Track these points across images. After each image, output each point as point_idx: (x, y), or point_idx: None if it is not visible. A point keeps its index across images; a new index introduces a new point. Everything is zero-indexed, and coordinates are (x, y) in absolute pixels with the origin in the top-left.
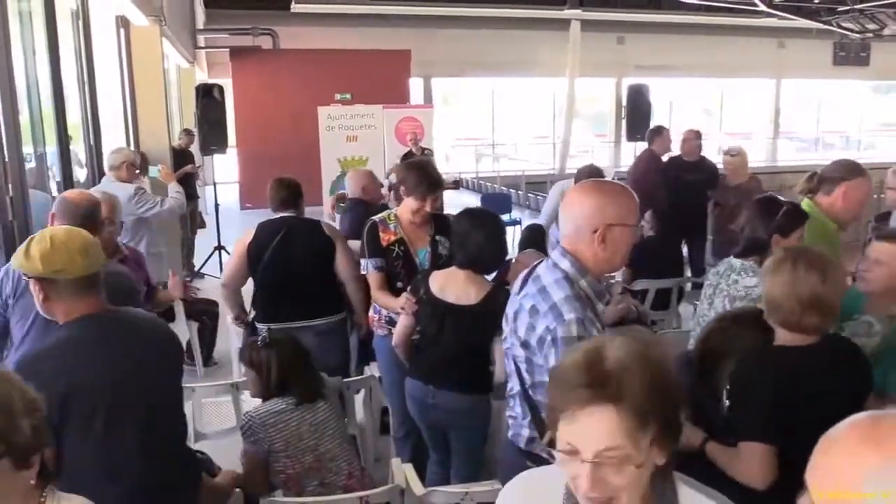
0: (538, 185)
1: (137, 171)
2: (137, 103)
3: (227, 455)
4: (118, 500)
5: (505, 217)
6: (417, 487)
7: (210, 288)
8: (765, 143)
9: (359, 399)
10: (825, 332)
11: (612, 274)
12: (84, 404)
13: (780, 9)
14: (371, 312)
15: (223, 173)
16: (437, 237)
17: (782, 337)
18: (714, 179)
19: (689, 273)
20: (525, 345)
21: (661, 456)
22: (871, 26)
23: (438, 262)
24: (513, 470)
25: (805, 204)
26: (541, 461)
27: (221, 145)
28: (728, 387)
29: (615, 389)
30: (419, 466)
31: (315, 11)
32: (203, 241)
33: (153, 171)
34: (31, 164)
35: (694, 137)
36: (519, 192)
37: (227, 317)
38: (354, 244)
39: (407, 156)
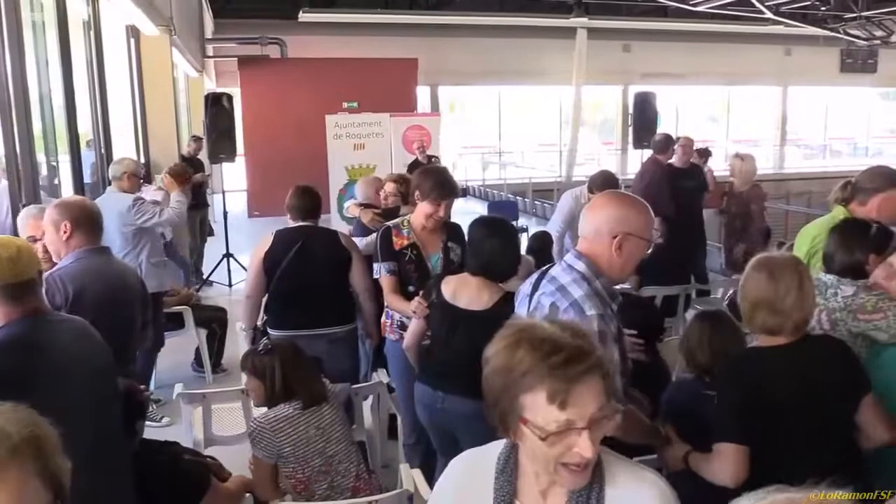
0: (545, 192)
1: (140, 181)
2: (147, 112)
3: (238, 460)
4: None
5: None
6: (426, 492)
7: (219, 295)
8: (772, 150)
9: (367, 405)
10: (799, 333)
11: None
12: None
13: (786, 16)
14: (383, 318)
15: (231, 181)
16: (450, 244)
17: (758, 339)
18: (705, 187)
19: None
20: None
21: None
22: (879, 33)
23: (450, 268)
24: None
25: (839, 212)
26: None
27: (230, 154)
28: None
29: (596, 357)
30: (429, 472)
31: (322, 20)
32: (212, 249)
33: (159, 180)
34: (43, 173)
35: (689, 144)
36: (525, 199)
37: (236, 324)
38: (360, 242)
39: (414, 164)
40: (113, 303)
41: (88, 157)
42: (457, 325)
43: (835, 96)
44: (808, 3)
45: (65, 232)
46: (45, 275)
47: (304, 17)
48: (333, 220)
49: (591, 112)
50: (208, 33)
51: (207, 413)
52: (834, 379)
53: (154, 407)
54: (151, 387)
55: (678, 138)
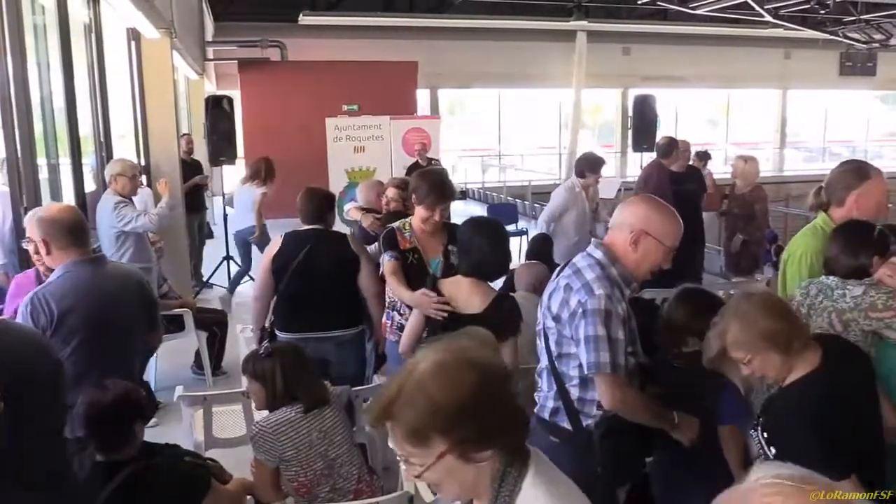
0: (544, 195)
1: (137, 181)
2: (148, 115)
3: (239, 463)
4: None
5: (511, 227)
6: (427, 495)
7: (218, 298)
8: (771, 153)
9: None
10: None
11: None
12: None
13: (786, 19)
14: (383, 318)
15: (232, 184)
16: (451, 247)
17: (795, 373)
18: (704, 189)
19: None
20: (556, 318)
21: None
22: (878, 36)
23: (451, 272)
24: (537, 441)
25: (820, 220)
26: (563, 432)
27: (230, 157)
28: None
29: (381, 410)
30: None
31: (323, 23)
32: (212, 252)
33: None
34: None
35: (687, 148)
36: (525, 202)
37: (236, 326)
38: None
39: (414, 166)
40: (107, 315)
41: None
42: (450, 328)
43: (834, 99)
44: (808, 6)
45: (44, 249)
46: (29, 294)
47: (304, 19)
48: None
49: (591, 115)
50: (208, 36)
51: (208, 415)
52: (873, 387)
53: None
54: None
55: (673, 141)
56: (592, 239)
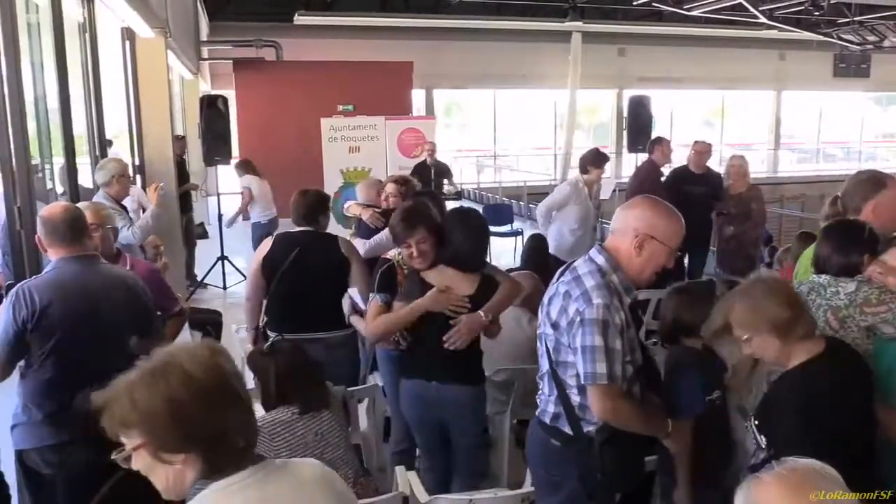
0: (540, 195)
1: (130, 180)
2: (142, 114)
3: None
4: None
5: (506, 228)
6: (422, 495)
7: (213, 298)
8: (766, 154)
9: (363, 408)
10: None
11: None
12: None
13: (780, 21)
14: None
15: (226, 184)
16: None
17: (795, 359)
18: (719, 191)
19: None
20: (555, 326)
21: None
22: (872, 38)
23: None
24: (539, 448)
25: None
26: (564, 436)
27: (225, 156)
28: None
29: None
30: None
31: (318, 23)
32: (207, 252)
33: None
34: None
35: (706, 150)
36: (521, 202)
37: (231, 326)
38: (364, 243)
39: (420, 165)
40: (87, 313)
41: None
42: (429, 319)
43: (828, 101)
44: (802, 8)
45: (42, 246)
46: (16, 286)
47: (299, 19)
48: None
49: (587, 116)
50: (203, 36)
51: None
52: (866, 389)
53: None
54: None
55: (695, 142)
56: (596, 244)
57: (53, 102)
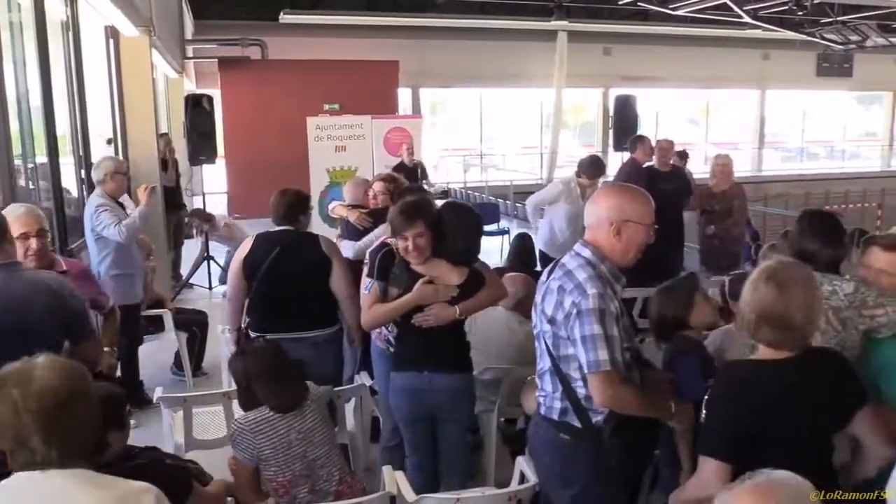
0: (526, 194)
1: (127, 177)
2: (126, 113)
3: (220, 464)
4: None
5: (493, 227)
6: (409, 494)
7: (198, 298)
8: (750, 153)
9: (349, 408)
10: (800, 347)
11: None
12: None
13: (764, 21)
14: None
15: (212, 183)
16: None
17: (760, 352)
18: (687, 188)
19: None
20: (552, 321)
21: None
22: (854, 38)
23: None
24: (549, 444)
25: None
26: (573, 430)
27: (210, 155)
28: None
29: None
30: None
31: (304, 22)
32: (192, 252)
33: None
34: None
35: (669, 147)
36: (507, 201)
37: (217, 326)
38: (351, 246)
39: (399, 167)
40: (17, 326)
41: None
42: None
43: (812, 100)
44: (786, 7)
45: None
46: None
47: (285, 18)
48: (314, 223)
49: (572, 115)
50: (188, 34)
51: (188, 417)
52: (833, 392)
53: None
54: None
55: (658, 141)
56: (579, 240)
57: (36, 101)
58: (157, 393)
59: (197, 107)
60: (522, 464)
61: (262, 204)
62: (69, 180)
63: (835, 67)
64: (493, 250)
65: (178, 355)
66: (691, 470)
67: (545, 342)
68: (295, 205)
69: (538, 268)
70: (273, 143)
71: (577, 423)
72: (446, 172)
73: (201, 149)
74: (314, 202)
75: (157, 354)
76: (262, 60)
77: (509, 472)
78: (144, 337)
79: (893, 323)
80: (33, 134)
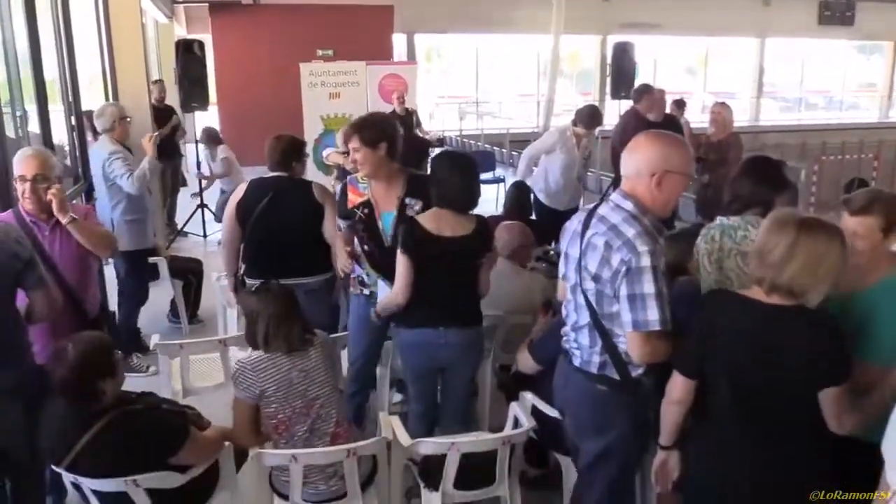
0: (522, 143)
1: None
2: (116, 60)
3: (216, 410)
4: None
5: (489, 175)
6: (404, 439)
7: (194, 247)
8: (748, 103)
9: (345, 355)
10: (787, 295)
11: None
12: None
13: None
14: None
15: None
16: (408, 200)
17: (753, 290)
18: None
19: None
20: (596, 278)
21: None
22: None
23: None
24: (584, 395)
25: None
26: (612, 382)
27: (203, 102)
28: None
29: None
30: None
31: None
32: (186, 200)
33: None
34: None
35: (661, 97)
36: (503, 150)
37: (212, 274)
38: None
39: (391, 115)
40: None
41: None
42: (445, 253)
43: (812, 49)
44: None
45: None
46: None
47: None
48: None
49: (570, 62)
50: None
51: (185, 364)
52: (792, 357)
53: (138, 356)
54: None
55: (646, 86)
56: (617, 189)
57: (23, 46)
58: (154, 340)
59: (188, 53)
60: (516, 409)
61: (256, 151)
62: (59, 127)
63: (836, 16)
64: (489, 199)
65: (173, 303)
66: None
67: (586, 298)
68: (289, 151)
69: (533, 216)
70: (266, 90)
71: (616, 376)
72: (442, 120)
73: (193, 96)
74: (308, 149)
75: (153, 302)
76: (253, 5)
77: (503, 417)
78: None
79: None
80: (21, 80)
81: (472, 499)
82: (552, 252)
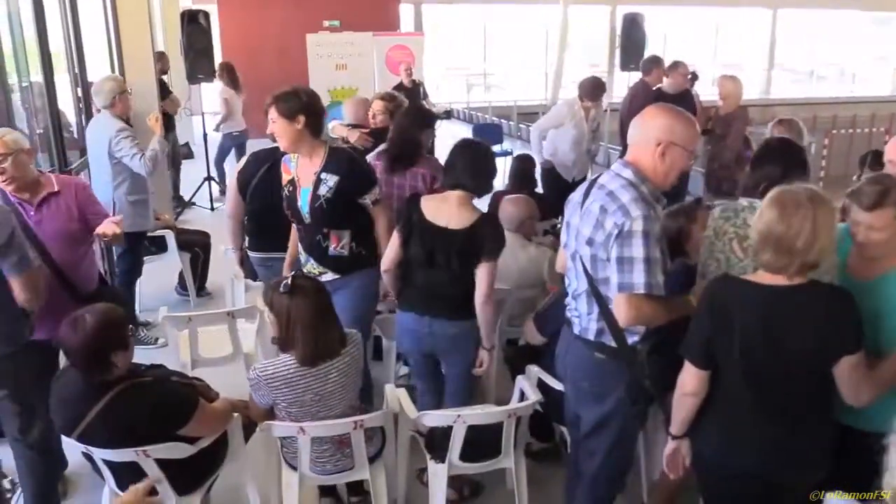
0: (530, 115)
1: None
2: (121, 30)
3: (224, 382)
4: None
5: (496, 148)
6: (411, 411)
7: (200, 219)
8: (759, 75)
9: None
10: (800, 275)
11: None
12: None
13: None
14: None
15: (210, 103)
16: (323, 175)
17: (757, 273)
18: (693, 112)
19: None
20: (590, 242)
21: None
22: None
23: (316, 204)
24: (582, 362)
25: None
26: (609, 349)
27: (208, 74)
28: None
29: None
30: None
31: None
32: (193, 172)
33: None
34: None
35: (685, 72)
36: (510, 122)
37: (219, 247)
38: None
39: (398, 87)
40: None
41: None
42: (436, 244)
43: (825, 20)
44: None
45: None
46: None
47: None
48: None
49: (578, 34)
50: None
51: (193, 336)
52: (806, 334)
53: (145, 331)
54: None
55: (675, 63)
56: (618, 160)
57: (28, 19)
58: (162, 312)
59: (193, 23)
60: (523, 382)
61: (261, 123)
62: (65, 98)
63: None
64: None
65: (181, 276)
66: None
67: (582, 263)
68: None
69: (539, 189)
70: (272, 61)
71: (612, 344)
72: (449, 92)
73: (199, 67)
74: None
75: (160, 275)
76: None
77: (510, 390)
78: (148, 257)
79: None
80: (26, 51)
81: (478, 471)
82: (559, 226)
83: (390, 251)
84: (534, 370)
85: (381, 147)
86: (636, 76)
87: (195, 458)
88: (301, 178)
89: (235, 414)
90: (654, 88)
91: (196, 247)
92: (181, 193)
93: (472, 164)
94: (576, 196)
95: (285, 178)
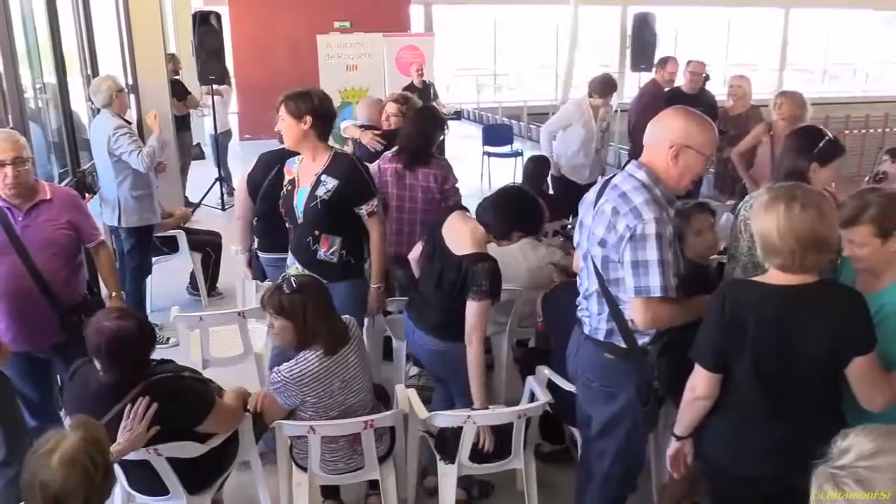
0: (540, 116)
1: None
2: (133, 32)
3: (235, 382)
4: None
5: (506, 149)
6: (421, 411)
7: (211, 219)
8: (771, 75)
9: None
10: (809, 275)
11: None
12: None
13: None
14: None
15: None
16: (323, 177)
17: (769, 274)
18: (713, 113)
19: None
20: (602, 243)
21: None
22: None
23: (311, 204)
24: (593, 362)
25: None
26: (619, 350)
27: (220, 75)
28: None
29: None
30: None
31: None
32: (204, 173)
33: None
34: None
35: (700, 70)
36: (521, 123)
37: (230, 247)
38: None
39: (409, 87)
40: None
41: None
42: (434, 260)
43: (837, 20)
44: None
45: None
46: None
47: None
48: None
49: (589, 34)
50: None
51: (205, 336)
52: (819, 334)
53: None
54: (148, 309)
55: (689, 62)
56: (633, 160)
57: (42, 20)
58: (174, 312)
59: (205, 24)
60: (532, 383)
61: (272, 125)
62: (78, 99)
63: None
64: (506, 173)
65: (193, 275)
66: None
67: (593, 264)
68: None
69: (551, 191)
70: (283, 62)
71: (622, 344)
72: (459, 93)
73: (210, 68)
74: None
75: (172, 275)
76: None
77: (519, 391)
78: (159, 258)
79: None
80: (40, 53)
81: (488, 471)
82: (570, 227)
83: (415, 251)
84: (544, 371)
85: (396, 148)
86: (647, 76)
87: (206, 456)
88: (301, 178)
89: (247, 413)
90: (666, 89)
91: (207, 247)
92: (186, 194)
93: (491, 209)
94: (590, 196)
95: (287, 178)
